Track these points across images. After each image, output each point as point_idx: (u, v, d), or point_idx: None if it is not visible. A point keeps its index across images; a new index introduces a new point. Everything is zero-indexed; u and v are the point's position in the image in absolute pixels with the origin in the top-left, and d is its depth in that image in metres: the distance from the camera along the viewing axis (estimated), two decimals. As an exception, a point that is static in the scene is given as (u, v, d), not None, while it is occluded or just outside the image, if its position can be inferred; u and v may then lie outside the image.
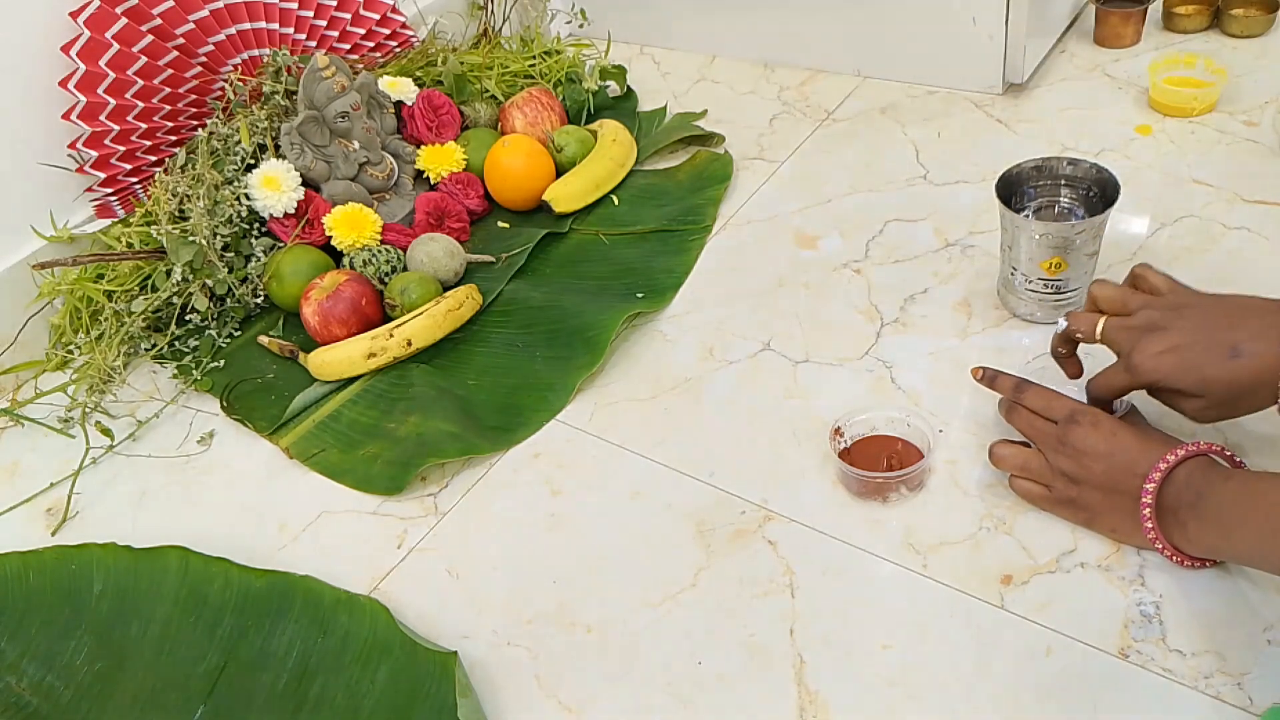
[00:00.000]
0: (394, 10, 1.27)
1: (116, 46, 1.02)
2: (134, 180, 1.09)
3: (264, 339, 1.01)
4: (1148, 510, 0.65)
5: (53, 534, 0.87)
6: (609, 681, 0.69)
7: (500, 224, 1.15)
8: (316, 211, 1.06)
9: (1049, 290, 0.86)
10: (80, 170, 1.05)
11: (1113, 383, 0.70)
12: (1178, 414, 0.69)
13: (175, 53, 1.08)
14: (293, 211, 1.05)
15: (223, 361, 1.00)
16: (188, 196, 1.00)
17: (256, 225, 1.04)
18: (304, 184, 1.06)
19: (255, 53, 1.15)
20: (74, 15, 1.01)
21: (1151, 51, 1.24)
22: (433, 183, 1.15)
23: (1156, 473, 0.64)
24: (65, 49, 1.00)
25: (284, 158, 1.06)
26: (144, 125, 1.07)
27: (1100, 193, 0.86)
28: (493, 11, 1.38)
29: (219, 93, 1.13)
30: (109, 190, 1.07)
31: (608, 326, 0.94)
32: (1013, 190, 0.88)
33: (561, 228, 1.11)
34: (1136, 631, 0.65)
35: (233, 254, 1.03)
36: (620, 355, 0.95)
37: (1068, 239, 0.83)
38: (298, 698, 0.69)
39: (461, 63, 1.26)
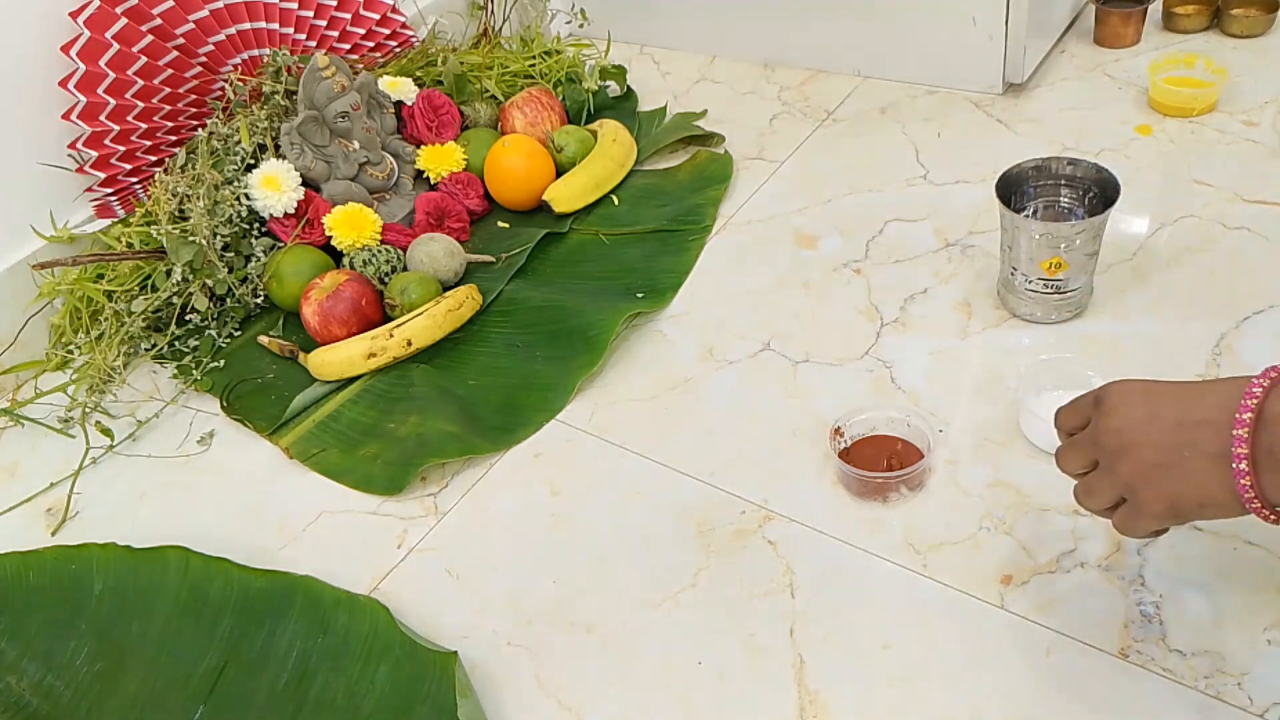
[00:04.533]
0: (394, 10, 1.27)
1: (116, 46, 1.02)
2: (134, 180, 1.09)
3: (264, 339, 1.01)
4: (1243, 463, 0.50)
5: (53, 534, 0.87)
6: (609, 681, 0.69)
7: (500, 224, 1.15)
8: (316, 211, 1.06)
9: (1049, 290, 0.86)
10: (80, 170, 1.05)
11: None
12: None
13: (175, 53, 1.08)
14: (293, 211, 1.05)
15: (223, 361, 1.00)
16: (188, 196, 1.00)
17: (256, 225, 1.04)
18: (304, 184, 1.06)
19: (255, 53, 1.15)
20: (74, 15, 1.01)
21: (1151, 51, 1.24)
22: (433, 183, 1.15)
23: (1246, 412, 0.50)
24: (65, 49, 1.00)
25: (284, 158, 1.06)
26: (144, 125, 1.07)
27: (1100, 193, 0.86)
28: (493, 11, 1.38)
29: (219, 93, 1.13)
30: (109, 190, 1.07)
31: (608, 326, 0.94)
32: (1013, 190, 0.88)
33: (561, 228, 1.11)
34: (1136, 631, 0.65)
35: (233, 254, 1.03)
36: (620, 355, 0.95)
37: (1068, 239, 0.83)
38: (298, 698, 0.69)
39: (461, 63, 1.26)
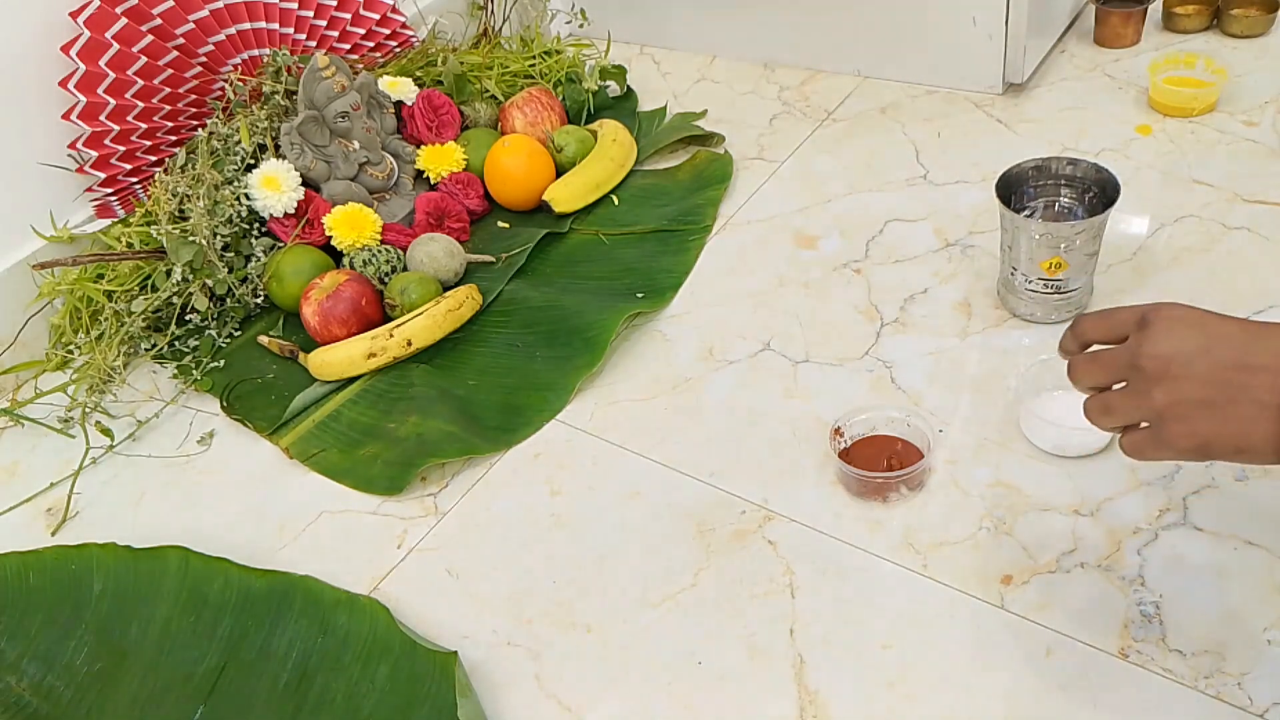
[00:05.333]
0: (394, 10, 1.27)
1: (116, 46, 1.02)
2: (134, 180, 1.09)
3: (264, 339, 1.01)
4: None
5: (53, 534, 0.87)
6: (609, 681, 0.69)
7: (500, 224, 1.15)
8: (316, 211, 1.06)
9: (1049, 290, 0.86)
10: (80, 170, 1.05)
11: (1161, 459, 0.55)
12: None
13: (175, 53, 1.08)
14: (293, 211, 1.05)
15: (223, 361, 1.00)
16: (188, 196, 1.00)
17: (256, 225, 1.04)
18: (304, 184, 1.06)
19: (255, 53, 1.15)
20: (74, 15, 1.01)
21: (1151, 51, 1.24)
22: (433, 183, 1.15)
23: None
24: (65, 49, 1.00)
25: (284, 158, 1.06)
26: (144, 125, 1.07)
27: (1100, 193, 0.86)
28: (493, 11, 1.38)
29: (219, 93, 1.13)
30: (109, 190, 1.07)
31: (608, 326, 0.94)
32: (1013, 190, 0.88)
33: (561, 228, 1.11)
34: (1136, 631, 0.65)
35: (233, 254, 1.03)
36: (620, 355, 0.95)
37: (1068, 239, 0.83)
38: (298, 698, 0.69)
39: (461, 63, 1.26)
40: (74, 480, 0.90)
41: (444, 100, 1.19)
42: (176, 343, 1.02)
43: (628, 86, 1.34)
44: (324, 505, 0.85)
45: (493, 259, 1.07)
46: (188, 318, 1.02)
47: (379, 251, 1.03)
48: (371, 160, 1.12)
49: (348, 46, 1.23)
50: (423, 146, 1.16)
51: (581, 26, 1.40)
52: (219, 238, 0.99)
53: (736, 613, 0.71)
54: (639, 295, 1.00)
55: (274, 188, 1.03)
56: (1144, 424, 0.54)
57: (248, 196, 1.03)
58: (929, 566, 0.72)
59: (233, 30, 1.12)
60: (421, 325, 0.95)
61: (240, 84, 1.11)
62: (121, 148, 1.06)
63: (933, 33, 1.21)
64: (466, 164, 1.16)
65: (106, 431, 0.94)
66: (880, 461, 0.77)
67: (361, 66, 1.23)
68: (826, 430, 0.80)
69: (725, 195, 1.13)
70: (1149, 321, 0.54)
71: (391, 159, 1.14)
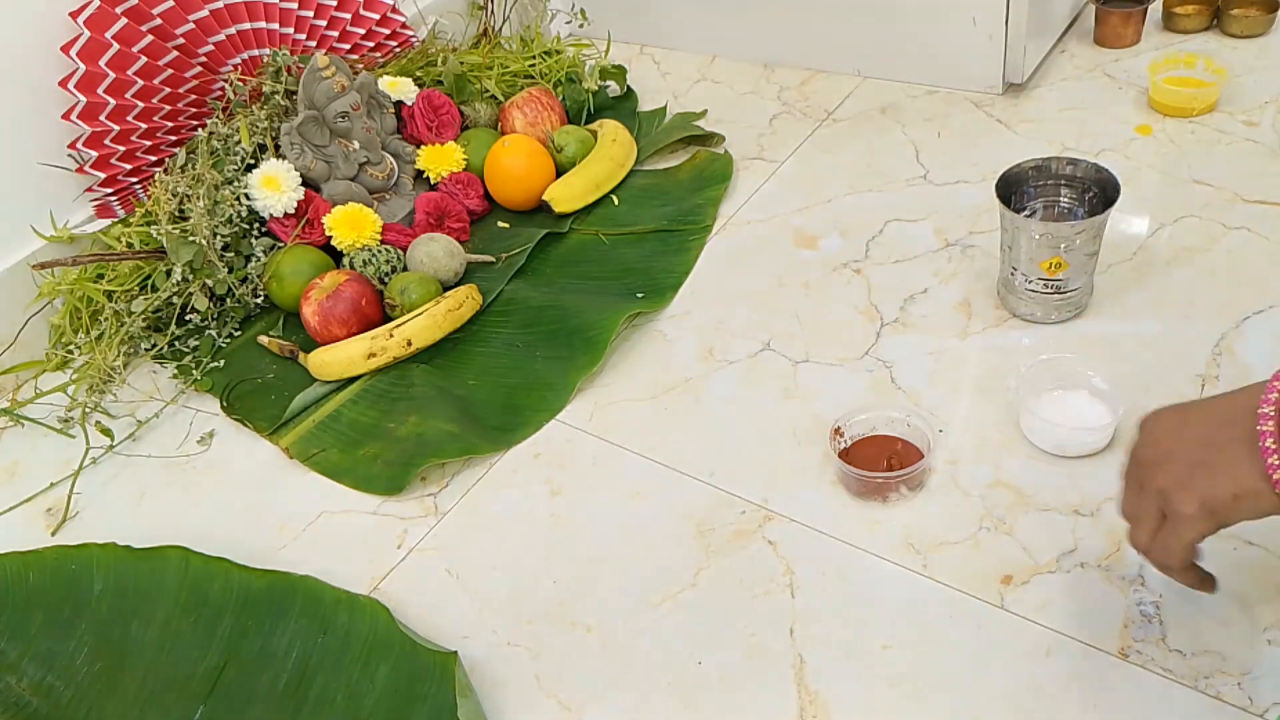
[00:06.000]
0: (394, 10, 1.27)
1: (116, 46, 1.02)
2: (134, 180, 1.09)
3: (264, 339, 1.01)
4: (1269, 440, 0.52)
5: (53, 534, 0.87)
6: (609, 681, 0.69)
7: (500, 224, 1.15)
8: (316, 211, 1.06)
9: (1049, 290, 0.86)
10: (80, 170, 1.05)
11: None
12: None
13: (175, 53, 1.08)
14: (293, 211, 1.05)
15: (223, 361, 1.00)
16: (188, 196, 1.00)
17: (256, 225, 1.04)
18: (304, 184, 1.06)
19: (255, 53, 1.15)
20: (74, 15, 1.01)
21: (1151, 51, 1.24)
22: (433, 183, 1.15)
23: (1272, 392, 0.53)
24: (65, 49, 1.00)
25: (284, 158, 1.06)
26: (144, 125, 1.07)
27: (1100, 193, 0.86)
28: (493, 11, 1.38)
29: (219, 93, 1.13)
30: (109, 190, 1.07)
31: (608, 326, 0.94)
32: (1013, 190, 0.88)
33: (561, 228, 1.11)
34: (1136, 631, 0.65)
35: (233, 254, 1.03)
36: (620, 355, 0.95)
37: (1068, 239, 0.83)
38: (298, 698, 0.69)
39: (461, 63, 1.26)
40: (74, 480, 0.90)
41: (444, 100, 1.19)
42: (176, 343, 1.02)
43: (628, 86, 1.34)
44: (324, 505, 0.85)
45: (493, 259, 1.07)
46: (188, 318, 1.02)
47: (379, 251, 1.03)
48: (371, 160, 1.12)
49: (348, 46, 1.23)
50: (423, 146, 1.16)
51: (581, 26, 1.40)
52: (219, 238, 0.99)
53: (736, 613, 0.71)
54: (639, 295, 1.00)
55: (274, 188, 1.03)
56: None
57: (248, 196, 1.03)
58: (929, 566, 0.72)
59: (233, 30, 1.12)
60: (421, 325, 0.95)
61: (240, 84, 1.11)
62: (121, 148, 1.06)
63: (933, 33, 1.21)
64: (466, 164, 1.16)
65: (106, 431, 0.94)
66: (880, 461, 0.77)
67: (361, 66, 1.23)
68: (826, 430, 0.80)
69: (725, 195, 1.13)
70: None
71: (391, 159, 1.14)
